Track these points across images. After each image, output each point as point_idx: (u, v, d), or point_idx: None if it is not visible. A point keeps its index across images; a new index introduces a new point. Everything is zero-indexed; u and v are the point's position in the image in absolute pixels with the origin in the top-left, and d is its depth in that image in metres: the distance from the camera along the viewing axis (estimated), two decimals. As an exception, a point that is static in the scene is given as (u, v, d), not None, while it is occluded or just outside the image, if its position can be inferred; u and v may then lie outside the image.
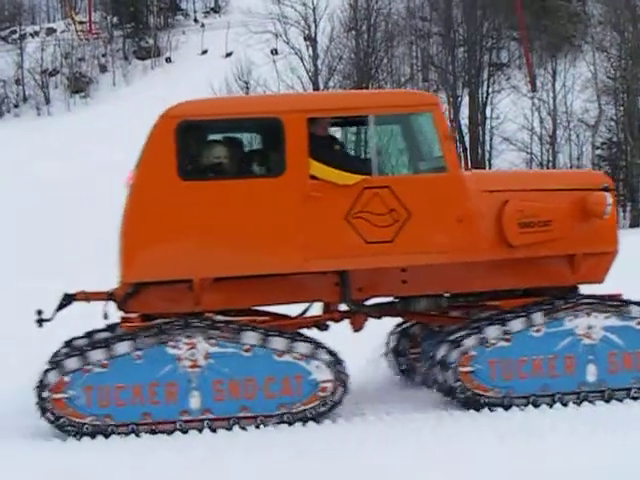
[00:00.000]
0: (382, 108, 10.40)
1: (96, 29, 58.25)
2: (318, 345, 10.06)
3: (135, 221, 10.07)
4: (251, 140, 10.87)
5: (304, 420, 9.94)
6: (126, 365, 9.79)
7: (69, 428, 9.77)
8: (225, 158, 10.25)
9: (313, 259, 10.06)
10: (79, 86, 53.39)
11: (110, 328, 11.33)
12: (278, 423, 9.89)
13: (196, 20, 59.15)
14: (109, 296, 10.77)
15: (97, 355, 9.80)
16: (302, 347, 9.99)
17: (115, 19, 57.71)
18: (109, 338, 10.12)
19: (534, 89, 45.21)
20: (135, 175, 10.15)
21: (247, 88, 43.42)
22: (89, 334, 11.47)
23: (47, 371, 9.82)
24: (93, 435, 9.76)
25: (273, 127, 10.07)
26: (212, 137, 10.55)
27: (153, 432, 9.79)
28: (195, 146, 10.32)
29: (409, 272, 10.49)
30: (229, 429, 9.83)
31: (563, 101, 43.19)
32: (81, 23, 58.69)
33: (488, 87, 44.20)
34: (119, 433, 9.79)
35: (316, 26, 43.46)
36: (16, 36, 58.53)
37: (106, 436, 9.77)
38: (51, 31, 59.86)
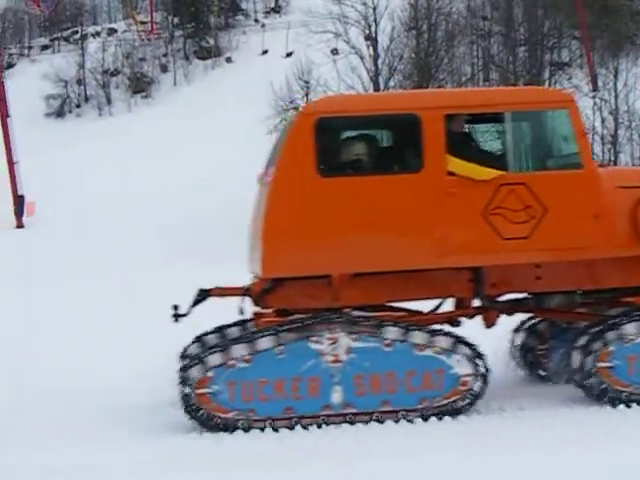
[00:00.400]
0: (519, 105, 10.45)
1: (157, 29, 58.58)
2: (458, 339, 10.10)
3: (275, 218, 10.14)
4: (387, 136, 10.92)
5: (445, 414, 9.99)
6: (269, 360, 9.87)
7: (213, 423, 9.86)
8: (363, 154, 10.34)
9: (450, 255, 10.13)
10: (140, 86, 53.63)
11: (240, 323, 11.46)
12: (420, 417, 9.95)
13: (256, 20, 59.26)
14: (245, 291, 10.87)
15: (240, 350, 9.89)
16: (442, 341, 10.04)
17: (176, 19, 57.90)
18: (252, 333, 10.17)
19: (595, 88, 44.83)
20: (274, 172, 10.22)
21: (307, 88, 43.33)
22: (219, 329, 11.57)
23: (190, 367, 9.92)
24: (235, 430, 9.85)
25: (411, 123, 10.14)
26: (350, 134, 10.62)
27: (295, 427, 9.89)
28: (334, 143, 10.40)
29: (543, 268, 10.52)
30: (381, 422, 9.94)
31: (625, 100, 42.74)
32: (143, 23, 59.01)
33: (549, 86, 43.88)
34: (261, 428, 9.87)
35: (376, 26, 43.19)
36: (78, 36, 59.02)
37: (248, 430, 9.86)
38: (112, 31, 60.32)
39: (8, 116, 40.49)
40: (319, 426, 9.87)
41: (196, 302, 10.92)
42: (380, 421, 9.90)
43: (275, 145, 10.69)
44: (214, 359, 9.87)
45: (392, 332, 9.98)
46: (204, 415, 9.85)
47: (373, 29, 43.25)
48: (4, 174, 40.19)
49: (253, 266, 10.79)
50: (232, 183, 39.40)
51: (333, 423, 9.87)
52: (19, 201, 40.29)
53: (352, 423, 9.87)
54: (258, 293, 10.53)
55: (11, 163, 40.49)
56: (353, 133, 10.61)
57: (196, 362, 9.92)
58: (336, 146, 10.44)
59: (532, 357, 12.02)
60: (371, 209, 10.09)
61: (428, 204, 10.11)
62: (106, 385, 12.02)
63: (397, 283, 10.37)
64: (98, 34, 60.35)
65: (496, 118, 10.56)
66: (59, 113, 53.58)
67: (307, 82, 43.58)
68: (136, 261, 30.07)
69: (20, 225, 39.98)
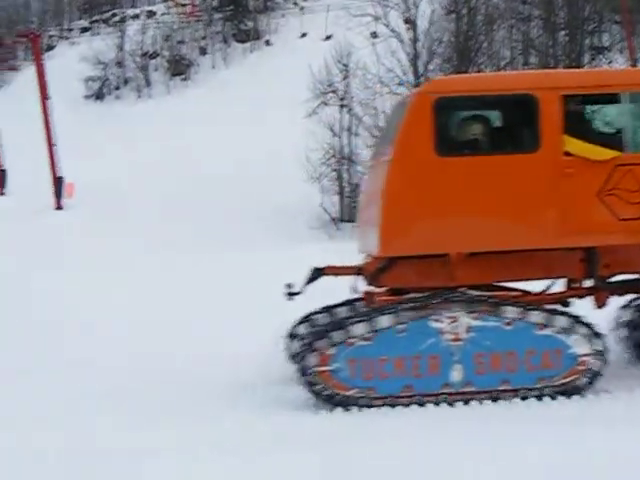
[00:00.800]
0: (636, 86, 10.45)
1: (196, 11, 58.52)
2: (577, 319, 10.13)
3: (393, 197, 10.19)
4: (504, 116, 10.94)
5: (564, 394, 10.03)
6: (389, 338, 9.93)
7: (334, 400, 9.93)
8: (480, 134, 10.39)
9: (565, 235, 10.17)
10: (179, 69, 53.61)
11: (347, 303, 11.53)
12: (538, 397, 9.99)
13: (295, 3, 59.04)
14: (358, 271, 10.93)
15: (361, 328, 9.94)
16: (561, 321, 10.08)
17: (215, 2, 57.89)
18: (372, 312, 10.20)
19: (636, 73, 44.68)
20: (392, 152, 10.25)
21: (346, 71, 43.26)
22: (327, 309, 11.64)
23: (311, 344, 9.98)
24: (356, 407, 9.92)
25: (528, 104, 10.18)
26: (467, 113, 10.67)
27: (416, 404, 9.95)
28: (451, 122, 10.47)
29: None
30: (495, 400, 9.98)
31: (666, 85, 42.55)
32: (182, 5, 59.03)
33: (588, 71, 43.69)
34: (379, 405, 9.94)
35: (416, 9, 42.99)
36: (117, 19, 59.23)
37: (368, 408, 9.93)
38: (151, 14, 60.33)
39: (48, 98, 40.59)
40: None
41: (310, 280, 11.02)
42: (504, 400, 9.95)
43: (388, 125, 10.73)
44: (335, 337, 9.92)
45: (512, 311, 10.02)
46: (325, 392, 9.91)
47: (413, 12, 43.09)
48: (43, 156, 40.36)
49: (366, 245, 10.85)
50: (271, 166, 39.47)
51: (453, 402, 9.94)
52: (58, 183, 40.42)
53: (482, 402, 9.93)
54: (372, 272, 10.60)
55: (50, 145, 40.64)
56: (470, 113, 10.66)
57: (317, 340, 9.97)
58: (454, 126, 10.52)
59: (638, 336, 11.98)
60: (488, 189, 10.14)
61: (545, 184, 10.15)
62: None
63: (511, 263, 10.41)
64: (137, 16, 60.37)
65: (613, 99, 10.58)
66: (98, 95, 53.61)
67: (346, 65, 43.48)
68: (179, 244, 30.03)
69: (59, 207, 40.11)
